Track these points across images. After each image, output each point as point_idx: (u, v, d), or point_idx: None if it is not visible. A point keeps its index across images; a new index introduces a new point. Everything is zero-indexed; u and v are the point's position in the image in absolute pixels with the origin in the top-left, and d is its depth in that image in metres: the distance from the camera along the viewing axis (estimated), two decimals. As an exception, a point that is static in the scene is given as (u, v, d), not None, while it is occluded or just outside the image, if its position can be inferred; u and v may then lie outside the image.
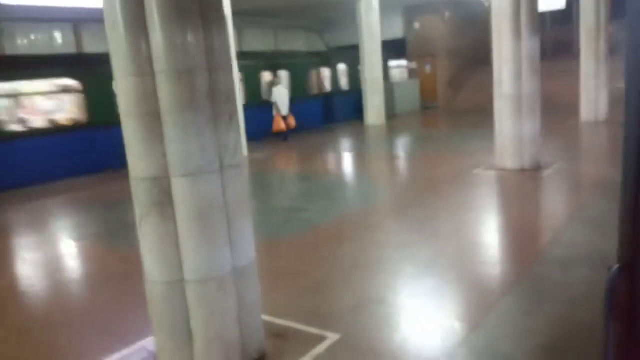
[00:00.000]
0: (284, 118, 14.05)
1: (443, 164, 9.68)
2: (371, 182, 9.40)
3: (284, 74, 15.74)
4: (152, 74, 2.84)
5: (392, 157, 11.80)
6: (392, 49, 19.07)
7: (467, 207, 6.70)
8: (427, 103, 20.60)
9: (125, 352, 3.52)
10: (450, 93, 20.62)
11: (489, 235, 5.77)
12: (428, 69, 21.10)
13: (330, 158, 12.32)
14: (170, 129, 2.87)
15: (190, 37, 2.84)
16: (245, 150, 11.77)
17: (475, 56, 20.65)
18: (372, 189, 8.68)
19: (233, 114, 3.10)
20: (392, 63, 19.80)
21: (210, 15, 2.93)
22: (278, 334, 3.59)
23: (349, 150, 13.34)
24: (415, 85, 20.34)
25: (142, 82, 2.85)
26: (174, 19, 2.79)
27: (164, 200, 2.94)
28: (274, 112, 13.98)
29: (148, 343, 3.53)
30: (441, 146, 12.21)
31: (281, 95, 14.06)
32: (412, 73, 21.18)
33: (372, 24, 16.06)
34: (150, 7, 2.78)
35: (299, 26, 21.77)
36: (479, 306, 3.87)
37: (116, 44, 2.88)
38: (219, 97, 2.99)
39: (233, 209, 3.10)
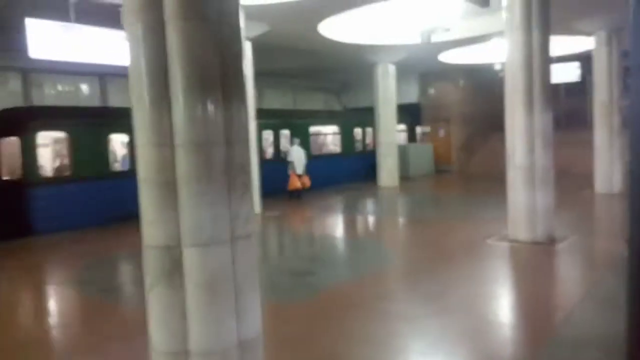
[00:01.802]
0: (299, 177, 14.19)
1: (455, 231, 9.62)
2: (382, 247, 9.34)
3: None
4: (171, 145, 2.94)
5: (403, 222, 11.76)
6: (407, 113, 19.45)
7: (479, 279, 6.60)
8: (441, 167, 20.72)
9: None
10: (464, 158, 20.77)
11: (500, 311, 5.64)
12: (442, 133, 21.38)
13: (342, 220, 12.32)
14: (184, 199, 2.94)
15: (210, 111, 2.95)
16: (258, 207, 11.83)
17: (488, 122, 20.91)
18: (383, 254, 8.61)
19: (247, 186, 3.16)
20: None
21: (230, 88, 3.05)
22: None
23: (361, 212, 13.34)
24: (429, 149, 20.54)
25: (161, 152, 2.94)
26: (196, 90, 2.91)
27: (174, 269, 2.96)
28: (290, 171, 14.14)
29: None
30: (453, 212, 12.17)
31: (297, 154, 14.26)
32: (425, 137, 21.46)
33: (388, 88, 16.45)
34: (175, 78, 2.91)
35: (317, 87, 22.43)
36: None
37: (140, 115, 3.00)
38: (234, 169, 3.07)
39: (242, 281, 3.10)
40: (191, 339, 2.97)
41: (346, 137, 18.09)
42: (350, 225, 11.83)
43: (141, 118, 3.00)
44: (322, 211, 12.87)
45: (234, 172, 3.07)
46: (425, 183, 18.04)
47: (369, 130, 18.54)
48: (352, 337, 4.80)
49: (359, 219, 12.45)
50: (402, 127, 21.06)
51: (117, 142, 12.26)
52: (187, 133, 2.91)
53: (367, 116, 17.79)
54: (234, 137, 3.07)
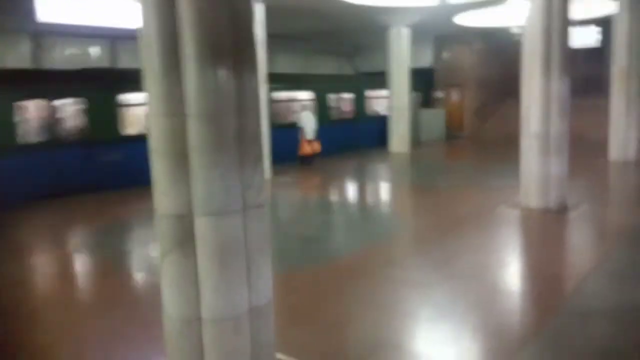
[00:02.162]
0: (310, 142, 14.15)
1: (466, 198, 9.59)
2: (392, 214, 9.37)
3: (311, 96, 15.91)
4: (182, 115, 2.91)
5: (414, 189, 11.74)
6: (420, 77, 19.11)
7: (489, 247, 6.61)
8: (454, 132, 20.49)
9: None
10: (477, 123, 20.49)
11: (510, 279, 5.67)
12: (455, 98, 21.06)
13: (352, 186, 12.33)
14: (196, 169, 2.93)
15: (221, 80, 2.91)
16: (268, 173, 11.85)
17: (503, 87, 20.52)
18: (392, 221, 8.64)
19: (259, 156, 3.14)
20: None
21: (242, 55, 3.00)
22: (291, 375, 3.58)
23: (372, 178, 13.33)
24: (441, 114, 20.27)
25: (173, 122, 2.92)
26: (208, 58, 2.86)
27: (186, 238, 2.98)
28: (300, 136, 14.09)
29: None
30: (465, 179, 12.11)
31: (308, 120, 14.19)
32: (438, 102, 21.15)
33: (401, 52, 16.14)
34: (186, 45, 2.86)
35: (329, 51, 22.05)
36: (497, 358, 3.79)
37: (151, 84, 2.97)
38: (246, 139, 3.04)
39: (253, 249, 3.12)
40: (203, 305, 3.02)
41: (357, 101, 17.84)
42: (360, 191, 11.85)
43: (152, 87, 2.96)
44: (332, 177, 12.88)
45: (246, 142, 3.04)
46: (437, 149, 17.90)
47: (382, 94, 18.25)
48: (360, 302, 4.87)
49: (370, 186, 12.45)
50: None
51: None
52: (198, 103, 2.87)
53: (378, 80, 17.51)
54: (246, 106, 3.03)
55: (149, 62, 2.94)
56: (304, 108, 14.75)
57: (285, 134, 14.04)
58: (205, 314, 3.03)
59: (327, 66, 21.92)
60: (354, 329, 4.36)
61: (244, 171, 3.04)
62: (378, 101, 18.41)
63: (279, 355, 3.55)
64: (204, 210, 2.95)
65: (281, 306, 4.26)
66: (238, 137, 3.00)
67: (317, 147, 14.23)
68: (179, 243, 3.00)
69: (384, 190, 11.91)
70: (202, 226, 2.97)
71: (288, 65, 19.54)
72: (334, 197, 11.04)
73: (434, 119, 19.84)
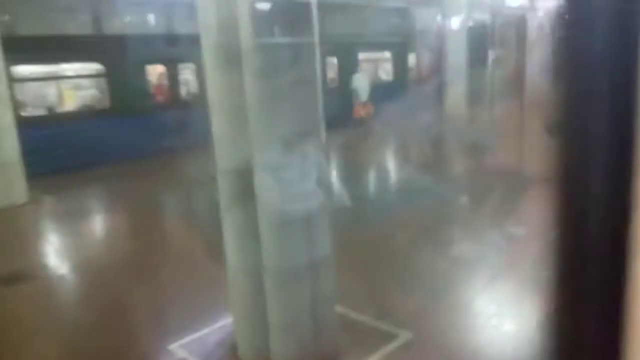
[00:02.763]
0: (363, 104, 14.00)
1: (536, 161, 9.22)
2: (449, 176, 9.18)
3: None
4: (239, 70, 2.93)
5: (472, 150, 11.41)
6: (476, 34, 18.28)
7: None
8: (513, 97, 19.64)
9: (205, 331, 3.71)
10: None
11: None
12: (516, 56, 20.12)
13: (406, 149, 12.13)
14: (253, 124, 2.96)
15: (277, 36, 2.89)
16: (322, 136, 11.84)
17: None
18: (450, 184, 8.47)
19: (316, 106, 3.13)
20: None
21: (298, 13, 2.96)
22: (351, 328, 3.64)
23: (427, 140, 13.05)
24: (500, 74, 19.43)
25: (231, 76, 2.95)
26: (263, 16, 2.85)
27: (246, 192, 3.04)
28: (354, 99, 13.96)
29: (227, 324, 3.69)
30: (530, 145, 11.62)
31: (361, 82, 14.01)
32: (498, 61, 20.26)
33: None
34: (243, 2, 2.85)
35: (383, 8, 21.38)
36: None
37: (208, 39, 3.00)
38: (303, 90, 3.03)
39: (311, 201, 3.15)
40: (264, 257, 3.10)
41: (398, 63, 17.07)
42: (414, 154, 11.66)
43: (209, 42, 2.99)
44: (385, 140, 12.72)
45: (303, 94, 3.03)
46: (496, 111, 17.24)
47: (422, 55, 17.53)
48: (419, 260, 4.83)
49: (425, 148, 12.22)
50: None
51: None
52: (254, 59, 2.88)
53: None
54: (302, 59, 3.01)
55: (205, 18, 2.96)
56: (355, 70, 14.51)
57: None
58: (266, 264, 3.11)
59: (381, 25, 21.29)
60: (413, 285, 4.37)
61: (301, 124, 3.05)
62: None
63: (338, 309, 3.61)
64: (262, 165, 3.00)
65: (339, 263, 4.30)
66: (295, 88, 2.99)
67: (370, 110, 14.07)
68: (240, 197, 3.07)
69: (440, 152, 11.66)
70: (261, 180, 3.02)
71: (339, 26, 19.10)
72: (387, 159, 10.94)
73: (493, 79, 19.07)
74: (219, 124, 3.06)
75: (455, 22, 15.48)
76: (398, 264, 4.81)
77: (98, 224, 7.19)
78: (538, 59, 19.38)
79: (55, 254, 5.99)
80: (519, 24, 19.71)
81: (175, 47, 10.92)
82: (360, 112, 13.91)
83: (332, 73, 15.12)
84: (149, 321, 3.99)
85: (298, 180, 3.08)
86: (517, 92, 19.52)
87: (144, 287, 4.63)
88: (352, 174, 9.59)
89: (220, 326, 3.74)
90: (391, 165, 10.54)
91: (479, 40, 19.29)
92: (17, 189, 7.95)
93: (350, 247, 5.28)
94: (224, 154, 3.08)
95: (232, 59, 2.93)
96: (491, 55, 20.46)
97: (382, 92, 15.61)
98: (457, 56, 15.73)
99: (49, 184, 8.45)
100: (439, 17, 15.75)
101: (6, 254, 5.66)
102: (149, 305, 4.24)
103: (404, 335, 3.48)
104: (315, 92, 3.13)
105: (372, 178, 9.23)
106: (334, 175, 9.51)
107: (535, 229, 5.34)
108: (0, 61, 7.80)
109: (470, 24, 17.80)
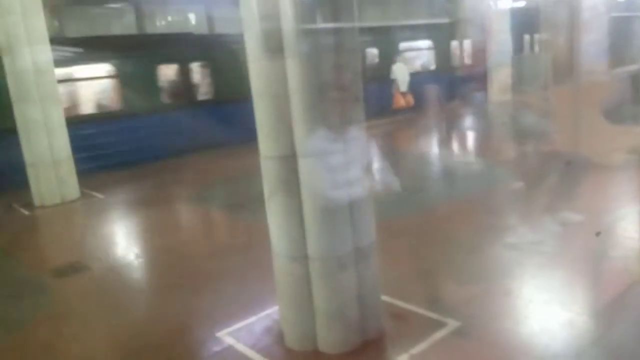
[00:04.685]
0: (403, 95, 13.82)
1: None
2: (493, 166, 8.94)
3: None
4: (282, 58, 2.92)
5: (525, 135, 11.06)
6: (522, 18, 17.69)
7: (612, 195, 6.07)
8: (561, 78, 18.92)
9: (252, 319, 3.75)
10: (588, 66, 18.76)
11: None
12: (562, 40, 19.36)
13: (450, 138, 11.90)
14: (297, 111, 2.95)
15: (319, 21, 2.87)
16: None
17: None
18: (495, 173, 8.24)
19: (358, 94, 3.10)
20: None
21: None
22: (397, 316, 3.60)
23: (471, 129, 12.78)
24: (545, 59, 18.73)
25: (273, 65, 2.94)
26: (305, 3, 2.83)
27: (290, 179, 3.04)
28: (394, 89, 13.79)
29: (274, 312, 3.72)
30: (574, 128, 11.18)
31: (401, 72, 13.82)
32: (543, 45, 19.56)
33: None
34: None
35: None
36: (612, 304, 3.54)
37: (250, 28, 3.00)
38: (345, 78, 3.00)
39: (355, 189, 3.12)
40: (309, 244, 3.09)
41: (440, 52, 16.66)
42: (458, 143, 11.43)
43: (251, 31, 2.99)
44: (427, 129, 12.52)
45: (346, 81, 3.00)
46: (549, 95, 16.62)
47: (466, 43, 17.04)
48: (463, 248, 4.73)
49: (469, 137, 11.97)
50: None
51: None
52: (297, 44, 2.86)
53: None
54: (344, 46, 2.98)
55: (247, 6, 2.96)
56: (395, 60, 14.31)
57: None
58: (311, 252, 3.11)
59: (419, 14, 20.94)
60: (458, 273, 4.28)
61: (343, 110, 3.02)
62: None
63: (383, 298, 3.57)
64: (305, 151, 2.98)
65: (383, 252, 4.26)
66: (337, 76, 2.96)
67: (410, 100, 13.87)
68: (283, 184, 3.07)
69: (484, 141, 11.38)
70: (305, 167, 3.01)
71: (377, 17, 18.91)
72: (430, 149, 10.76)
73: (537, 64, 18.41)
74: (262, 111, 3.06)
75: (501, 5, 15.03)
76: (449, 251, 4.73)
77: (145, 217, 7.37)
78: (593, 40, 18.57)
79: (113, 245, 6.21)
80: (571, 3, 18.92)
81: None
82: (400, 102, 13.73)
83: (371, 63, 14.99)
84: (201, 311, 4.06)
85: (342, 167, 3.06)
86: (571, 75, 18.79)
87: (198, 276, 4.73)
88: (401, 162, 9.45)
89: (268, 313, 3.76)
90: (440, 152, 10.38)
91: (525, 23, 18.67)
92: (70, 185, 8.27)
93: (401, 234, 5.22)
94: (266, 141, 3.08)
95: (274, 46, 2.92)
96: (537, 38, 19.80)
97: (423, 82, 15.35)
98: (501, 41, 15.27)
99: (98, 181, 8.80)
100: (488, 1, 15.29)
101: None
102: (204, 295, 4.31)
103: (452, 324, 3.41)
104: (357, 77, 3.09)
105: (422, 165, 9.10)
106: (381, 163, 9.42)
107: (592, 215, 5.14)
108: (51, 63, 8.09)
109: (518, 5, 17.25)
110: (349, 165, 3.07)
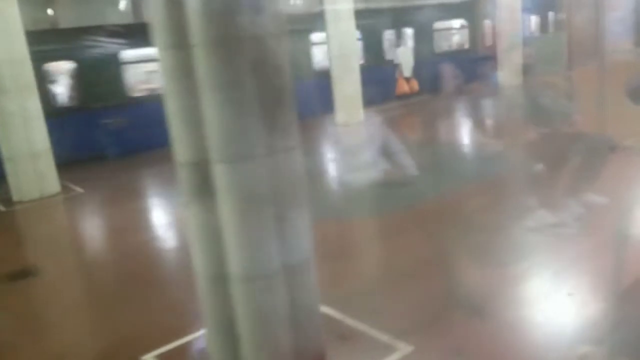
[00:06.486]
0: (407, 80, 13.24)
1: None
2: (501, 154, 8.37)
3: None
4: (189, 46, 2.50)
5: (547, 117, 10.42)
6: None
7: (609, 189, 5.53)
8: (580, 61, 18.00)
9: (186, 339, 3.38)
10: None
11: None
12: (580, 20, 18.42)
13: (454, 125, 11.33)
14: (208, 109, 2.53)
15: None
16: (361, 114, 11.27)
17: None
18: (497, 163, 7.69)
19: (285, 90, 2.65)
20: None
21: None
22: (342, 336, 3.19)
23: (476, 116, 12.15)
24: (561, 40, 17.82)
25: (179, 55, 2.52)
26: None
27: (204, 188, 2.64)
28: (397, 74, 13.22)
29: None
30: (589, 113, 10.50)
31: (405, 56, 13.23)
32: (560, 25, 18.65)
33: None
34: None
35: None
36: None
37: (156, 13, 2.58)
38: (267, 70, 2.56)
39: (284, 199, 2.70)
40: (229, 262, 2.69)
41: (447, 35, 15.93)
42: (462, 130, 10.87)
43: (157, 15, 2.57)
44: (432, 116, 11.95)
45: (266, 74, 2.56)
46: (572, 75, 15.79)
47: (476, 25, 16.29)
48: (438, 254, 4.31)
49: (474, 124, 11.36)
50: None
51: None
52: (203, 28, 2.43)
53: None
54: (267, 29, 2.53)
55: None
56: (399, 43, 13.69)
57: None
58: (232, 272, 2.71)
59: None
60: (425, 285, 3.85)
61: (266, 109, 2.58)
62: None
63: (331, 312, 3.17)
64: (220, 157, 2.57)
65: (347, 254, 3.85)
66: (256, 67, 2.52)
67: (414, 85, 13.28)
68: (198, 193, 2.67)
69: (491, 129, 10.78)
70: (220, 174, 2.59)
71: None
72: (430, 137, 10.23)
73: (553, 46, 17.55)
74: (170, 109, 2.65)
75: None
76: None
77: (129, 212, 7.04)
78: (618, 18, 17.56)
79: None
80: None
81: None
82: (403, 88, 13.17)
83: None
84: (134, 328, 3.70)
85: (267, 175, 2.63)
86: (593, 55, 17.82)
87: (148, 285, 4.39)
88: (416, 145, 8.95)
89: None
90: (456, 134, 9.89)
91: (539, 2, 17.79)
92: (49, 179, 8.01)
93: (419, 218, 4.90)
94: (178, 144, 2.67)
95: (179, 33, 2.50)
96: (552, 17, 18.90)
97: (429, 67, 14.71)
98: (512, 21, 14.50)
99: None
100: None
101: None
102: (142, 309, 3.96)
103: (404, 349, 2.99)
104: (283, 69, 2.65)
105: (439, 148, 8.66)
106: (395, 147, 8.95)
107: (616, 197, 4.68)
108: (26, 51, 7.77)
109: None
110: (275, 173, 2.65)
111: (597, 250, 3.90)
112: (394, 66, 13.22)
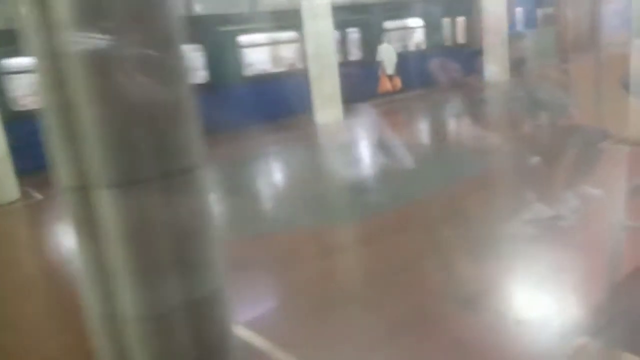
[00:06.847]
0: (390, 78, 12.89)
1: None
2: (473, 156, 8.07)
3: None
4: (59, 54, 2.16)
5: (509, 124, 10.14)
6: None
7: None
8: (570, 55, 17.67)
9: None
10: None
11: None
12: (570, 14, 18.07)
13: (430, 125, 11.01)
14: (85, 125, 2.19)
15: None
16: (340, 114, 10.94)
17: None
18: (470, 165, 7.40)
19: (181, 101, 2.32)
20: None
21: None
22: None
23: (459, 115, 11.82)
24: (549, 36, 17.48)
25: (51, 64, 2.18)
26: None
27: (88, 216, 2.30)
28: (379, 72, 12.87)
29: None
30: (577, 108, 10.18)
31: (387, 54, 12.88)
32: (548, 20, 18.32)
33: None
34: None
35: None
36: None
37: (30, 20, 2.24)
38: (156, 77, 2.23)
39: (185, 227, 2.37)
40: (120, 300, 2.36)
41: (430, 30, 15.51)
42: (441, 131, 10.54)
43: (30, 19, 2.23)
44: (412, 116, 11.63)
45: (157, 82, 2.23)
46: (569, 68, 15.48)
47: (459, 20, 15.88)
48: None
49: (455, 124, 11.06)
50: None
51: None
52: (73, 31, 2.09)
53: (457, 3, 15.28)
54: (152, 29, 2.20)
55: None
56: (382, 40, 13.34)
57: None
58: (124, 310, 2.38)
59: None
60: (389, 306, 3.53)
61: (156, 124, 2.25)
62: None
63: (249, 338, 2.86)
64: (102, 181, 2.23)
65: (299, 272, 3.52)
66: (141, 80, 2.19)
67: (397, 83, 12.95)
68: (82, 222, 2.34)
69: (470, 130, 10.47)
70: (103, 201, 2.26)
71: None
72: (408, 138, 9.91)
73: (540, 41, 17.21)
74: (50, 126, 2.31)
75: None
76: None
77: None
78: (614, 10, 17.20)
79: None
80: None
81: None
82: (386, 86, 12.83)
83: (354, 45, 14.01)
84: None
85: (163, 200, 2.30)
86: (589, 48, 17.47)
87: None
88: (407, 140, 8.63)
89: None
90: (447, 130, 9.59)
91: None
92: (7, 186, 7.69)
93: (413, 213, 4.88)
94: (60, 165, 2.34)
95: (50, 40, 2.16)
96: (540, 13, 18.58)
97: (412, 63, 14.35)
98: (495, 17, 14.18)
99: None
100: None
101: None
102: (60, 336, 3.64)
103: None
104: (179, 70, 2.31)
105: (431, 143, 8.38)
106: (386, 141, 8.62)
107: (612, 190, 4.48)
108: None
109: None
110: (171, 198, 2.31)
111: (594, 242, 3.85)
112: (376, 64, 12.87)
